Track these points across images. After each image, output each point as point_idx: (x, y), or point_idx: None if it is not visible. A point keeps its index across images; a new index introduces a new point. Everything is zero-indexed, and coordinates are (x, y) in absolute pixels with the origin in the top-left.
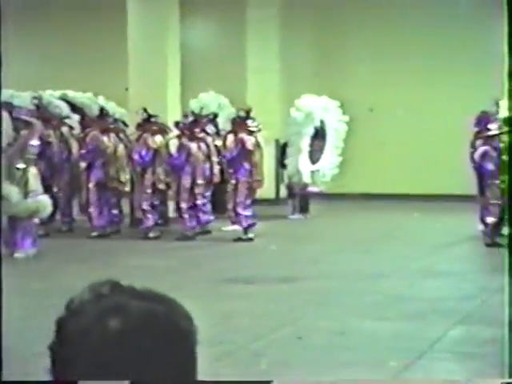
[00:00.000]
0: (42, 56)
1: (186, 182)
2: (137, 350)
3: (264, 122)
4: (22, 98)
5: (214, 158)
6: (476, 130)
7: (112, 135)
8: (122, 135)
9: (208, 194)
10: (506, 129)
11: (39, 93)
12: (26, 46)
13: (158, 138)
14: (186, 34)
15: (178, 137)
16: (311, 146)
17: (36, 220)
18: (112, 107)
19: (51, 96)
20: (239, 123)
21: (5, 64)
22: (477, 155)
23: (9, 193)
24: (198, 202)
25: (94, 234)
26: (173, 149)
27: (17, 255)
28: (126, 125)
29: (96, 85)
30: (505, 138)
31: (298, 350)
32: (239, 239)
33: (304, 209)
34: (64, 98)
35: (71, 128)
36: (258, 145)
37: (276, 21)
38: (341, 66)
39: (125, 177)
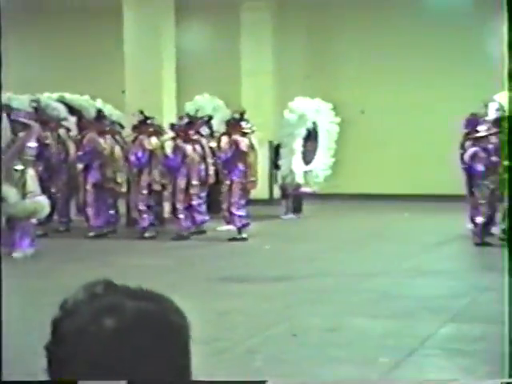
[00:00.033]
0: (39, 59)
1: (182, 182)
2: (132, 348)
3: (258, 124)
4: (21, 101)
5: (209, 160)
6: (465, 131)
7: (108, 137)
8: (118, 137)
9: (203, 194)
10: (494, 130)
11: (37, 96)
12: (23, 49)
13: (154, 140)
14: (181, 38)
15: (174, 139)
16: (304, 147)
17: (34, 220)
18: (109, 109)
19: (49, 98)
20: (233, 125)
21: (4, 64)
22: (466, 156)
23: (7, 194)
24: (194, 202)
25: (91, 233)
26: (168, 150)
27: (15, 255)
28: (122, 127)
29: (93, 88)
30: (494, 139)
31: (292, 347)
32: (233, 239)
33: (297, 209)
34: (62, 101)
35: (68, 130)
36: (251, 146)
37: (269, 24)
38: (333, 68)
39: (121, 178)
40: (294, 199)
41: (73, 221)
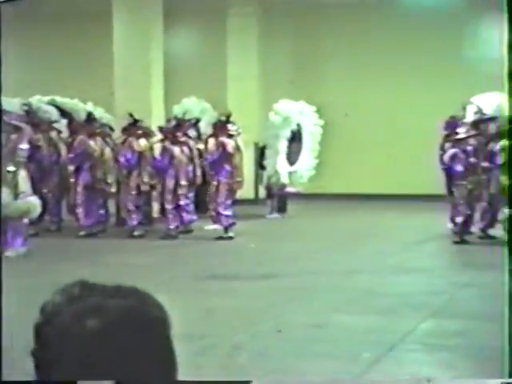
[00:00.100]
0: (29, 63)
1: (170, 183)
2: (120, 346)
3: (243, 126)
4: (12, 104)
5: (197, 161)
6: (445, 133)
7: (99, 139)
8: (108, 139)
9: (191, 194)
10: (473, 132)
11: (28, 99)
12: (13, 53)
13: (143, 142)
14: (169, 43)
15: (162, 141)
16: (289, 148)
17: (26, 220)
18: (99, 112)
19: (39, 101)
20: (220, 127)
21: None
22: (446, 157)
23: (1, 195)
24: (182, 202)
25: (82, 233)
26: (157, 152)
27: (8, 254)
28: (111, 129)
29: (83, 91)
30: (472, 141)
31: (278, 343)
32: (220, 238)
33: (282, 209)
34: (53, 104)
35: (59, 132)
36: (238, 148)
37: (255, 30)
38: (317, 72)
39: (111, 179)
40: (278, 199)
41: (64, 220)
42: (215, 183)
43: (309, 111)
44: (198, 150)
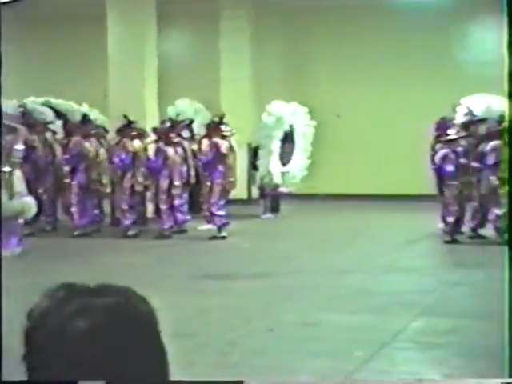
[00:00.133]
0: (24, 65)
1: (164, 183)
2: (111, 345)
3: (237, 127)
4: (8, 106)
5: (190, 161)
6: (436, 134)
7: (94, 140)
8: (102, 140)
9: (185, 195)
10: (463, 133)
11: (23, 101)
12: (8, 56)
13: (137, 143)
14: (163, 45)
15: (156, 141)
16: (281, 148)
17: (21, 220)
18: (95, 114)
19: (34, 103)
20: (213, 128)
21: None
22: (437, 158)
23: None
24: (176, 202)
25: (77, 233)
26: (151, 153)
27: (3, 254)
28: (106, 130)
29: (78, 93)
30: (462, 142)
31: (270, 341)
32: (214, 237)
33: (275, 209)
34: (48, 105)
35: (55, 133)
36: (231, 148)
37: (247, 33)
38: (309, 74)
39: (106, 179)
40: (271, 199)
41: (59, 220)
42: (209, 184)
43: (301, 112)
44: (192, 150)
